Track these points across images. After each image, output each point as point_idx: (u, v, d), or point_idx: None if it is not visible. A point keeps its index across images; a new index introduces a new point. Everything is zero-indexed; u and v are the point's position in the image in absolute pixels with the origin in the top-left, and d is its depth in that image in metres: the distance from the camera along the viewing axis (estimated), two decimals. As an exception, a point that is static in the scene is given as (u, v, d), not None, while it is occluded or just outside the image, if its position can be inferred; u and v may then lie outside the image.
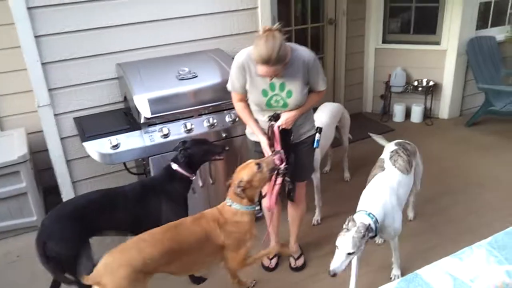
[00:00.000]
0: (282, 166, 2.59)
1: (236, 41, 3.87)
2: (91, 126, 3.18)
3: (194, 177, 2.89)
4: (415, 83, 5.60)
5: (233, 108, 2.89)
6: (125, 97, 3.46)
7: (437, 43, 5.47)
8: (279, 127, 2.63)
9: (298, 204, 3.03)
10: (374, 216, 2.56)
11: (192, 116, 3.18)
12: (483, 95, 5.28)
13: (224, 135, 3.23)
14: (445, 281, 1.32)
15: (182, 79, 3.17)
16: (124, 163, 3.38)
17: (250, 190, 2.45)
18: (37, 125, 3.65)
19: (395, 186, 2.82)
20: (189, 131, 3.13)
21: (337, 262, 2.39)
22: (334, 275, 2.39)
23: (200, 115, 3.21)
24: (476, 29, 5.40)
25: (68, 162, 3.60)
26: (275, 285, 3.03)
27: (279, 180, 2.63)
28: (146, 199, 2.75)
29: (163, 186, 2.81)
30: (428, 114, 5.65)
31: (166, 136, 3.07)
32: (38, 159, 4.02)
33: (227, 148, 2.95)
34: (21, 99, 4.03)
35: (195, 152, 2.83)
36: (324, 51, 5.74)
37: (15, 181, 3.56)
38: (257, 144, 2.79)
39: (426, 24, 5.60)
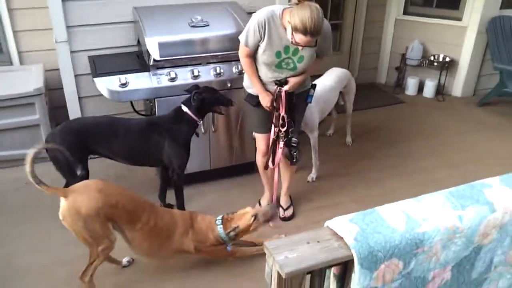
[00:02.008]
0: (283, 129, 2.78)
1: (252, -5, 3.92)
2: (103, 64, 3.32)
3: (201, 122, 3.03)
4: (431, 58, 5.58)
5: (240, 59, 2.95)
6: (138, 41, 3.56)
7: (459, 19, 5.40)
8: (286, 91, 2.73)
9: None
10: None
11: (200, 64, 3.28)
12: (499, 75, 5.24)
13: (229, 85, 3.32)
14: (399, 218, 1.42)
15: (194, 26, 3.25)
16: (132, 104, 3.52)
17: (242, 234, 2.66)
18: (55, 63, 3.80)
19: None
20: (195, 77, 3.23)
21: None
22: None
23: (208, 63, 3.31)
24: (500, 8, 5.30)
25: (80, 99, 3.77)
26: (262, 231, 3.15)
27: (281, 144, 2.84)
28: (149, 135, 2.90)
29: (169, 126, 2.95)
30: (441, 90, 5.64)
31: (173, 80, 3.19)
32: (53, 96, 4.18)
33: (233, 103, 3.07)
34: (41, 36, 4.17)
35: (207, 98, 2.96)
36: (344, 17, 5.73)
37: (30, 112, 3.75)
38: (254, 97, 2.88)
39: (450, -2, 5.53)
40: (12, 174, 3.71)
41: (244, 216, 2.62)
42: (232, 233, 2.59)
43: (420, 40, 5.60)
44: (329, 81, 3.78)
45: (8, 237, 3.03)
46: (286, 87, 2.73)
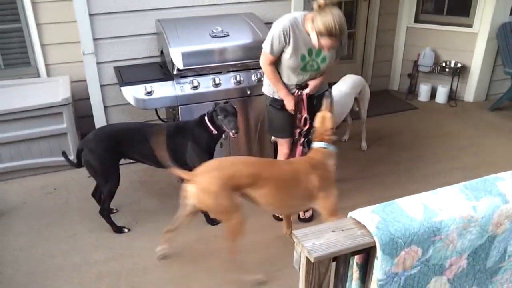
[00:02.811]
0: (305, 128, 2.98)
1: (269, 7, 4.08)
2: (129, 74, 3.50)
3: (215, 133, 3.13)
4: (443, 64, 5.67)
5: (259, 67, 3.06)
6: (161, 51, 3.74)
7: (469, 25, 5.50)
8: (307, 94, 2.91)
9: None
10: None
11: (221, 72, 3.45)
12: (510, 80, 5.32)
13: (249, 92, 3.48)
14: (417, 208, 1.53)
15: (214, 36, 3.42)
16: (156, 111, 3.68)
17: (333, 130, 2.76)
18: (80, 74, 4.00)
19: None
20: (217, 85, 3.39)
21: None
22: None
23: (229, 71, 3.47)
24: (510, 15, 5.39)
25: (105, 108, 3.95)
26: (280, 231, 3.26)
27: (301, 140, 3.02)
28: (175, 138, 3.07)
29: (193, 130, 3.12)
30: (453, 96, 5.72)
31: (195, 88, 3.35)
32: (78, 107, 4.36)
33: (235, 136, 3.07)
34: (67, 49, 4.36)
35: (216, 115, 3.08)
36: (356, 26, 5.86)
37: (58, 121, 3.92)
38: (278, 101, 3.03)
39: (460, 5, 5.62)
40: (42, 180, 3.89)
41: (325, 119, 2.71)
42: (333, 137, 2.70)
43: (432, 47, 5.71)
44: (344, 87, 3.92)
45: (41, 239, 3.19)
46: (306, 90, 2.91)
